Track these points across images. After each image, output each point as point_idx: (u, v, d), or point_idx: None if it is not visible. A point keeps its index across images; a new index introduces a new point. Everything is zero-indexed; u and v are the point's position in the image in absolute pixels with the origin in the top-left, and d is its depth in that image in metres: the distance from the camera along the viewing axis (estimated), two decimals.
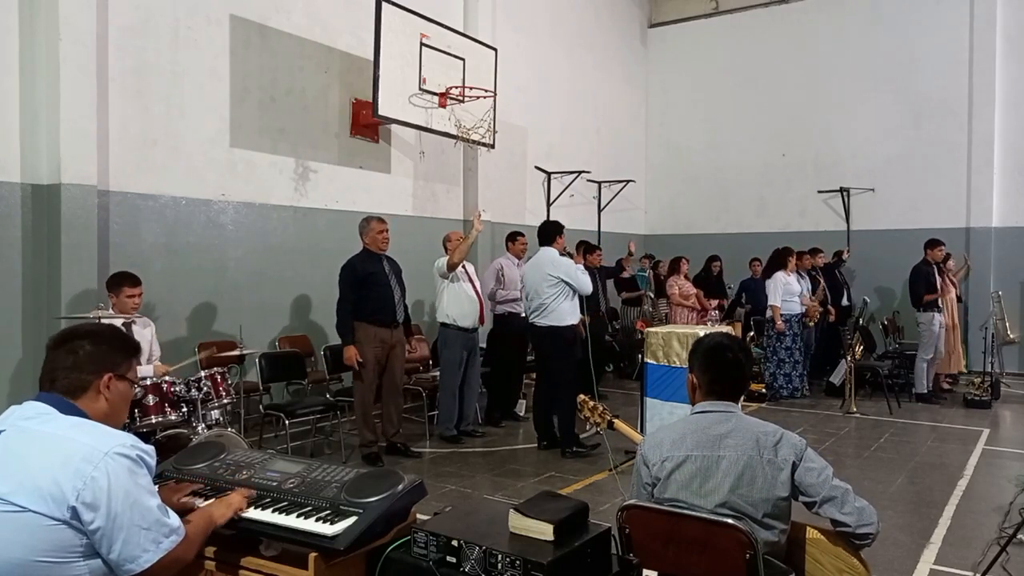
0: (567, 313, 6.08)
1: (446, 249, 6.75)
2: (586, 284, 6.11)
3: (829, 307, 9.62)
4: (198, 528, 1.97)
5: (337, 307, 5.85)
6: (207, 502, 2.20)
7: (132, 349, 2.01)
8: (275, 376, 6.43)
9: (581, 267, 6.23)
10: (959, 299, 9.61)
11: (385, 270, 5.89)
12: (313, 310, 7.55)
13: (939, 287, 8.60)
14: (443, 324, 6.59)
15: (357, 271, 5.78)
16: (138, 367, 4.81)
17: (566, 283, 6.04)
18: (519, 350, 7.54)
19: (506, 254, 7.61)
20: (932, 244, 8.79)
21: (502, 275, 7.30)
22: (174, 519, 1.83)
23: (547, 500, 2.17)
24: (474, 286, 6.69)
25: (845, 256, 10.65)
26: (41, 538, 1.65)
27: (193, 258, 6.55)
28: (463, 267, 6.64)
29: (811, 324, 9.31)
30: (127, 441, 1.77)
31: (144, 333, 5.07)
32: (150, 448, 1.81)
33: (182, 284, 6.43)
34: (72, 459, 1.69)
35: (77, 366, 1.86)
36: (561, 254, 6.17)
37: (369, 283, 5.77)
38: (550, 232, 6.24)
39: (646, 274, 10.88)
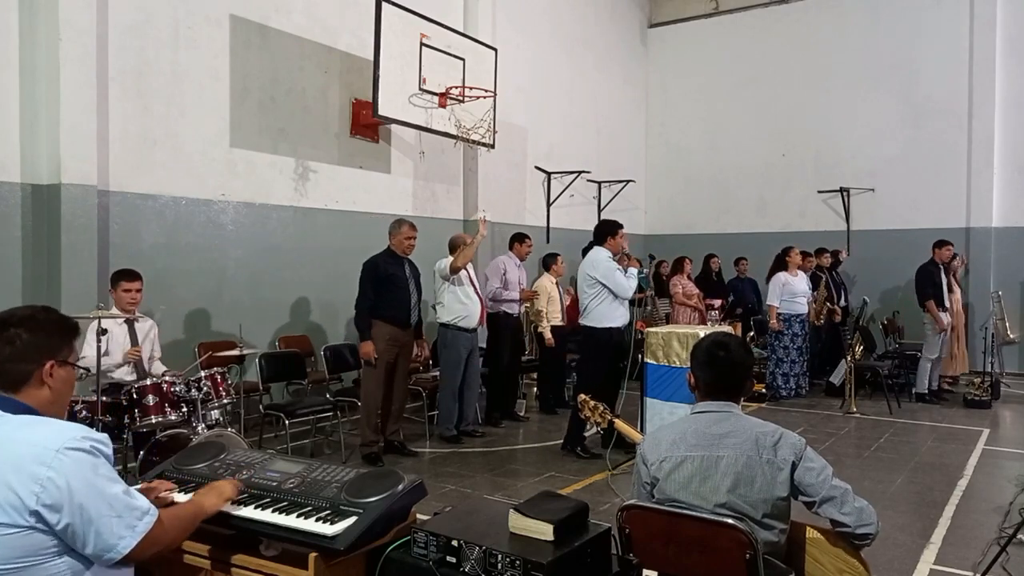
0: (604, 315, 5.99)
1: (452, 252, 6.73)
2: (622, 287, 5.98)
3: (835, 307, 9.60)
4: (184, 513, 1.95)
5: (356, 303, 5.91)
6: (196, 491, 2.20)
7: (71, 331, 1.91)
8: (275, 376, 6.43)
9: (633, 271, 6.08)
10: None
11: (406, 273, 6.00)
12: (313, 310, 7.55)
13: (944, 287, 8.60)
14: (443, 324, 6.59)
15: (379, 270, 5.87)
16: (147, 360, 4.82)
17: (604, 285, 5.96)
18: (514, 350, 7.54)
19: (509, 253, 7.60)
20: (940, 244, 8.77)
21: (504, 274, 7.29)
22: (142, 501, 1.79)
23: (547, 500, 2.18)
24: (475, 287, 6.68)
25: (842, 257, 10.64)
26: (11, 546, 1.62)
27: (193, 258, 6.55)
28: (465, 268, 6.64)
29: (818, 323, 9.31)
30: (77, 434, 1.71)
31: (145, 330, 5.07)
32: (103, 436, 1.76)
33: (182, 284, 6.43)
34: (24, 463, 1.64)
35: (16, 357, 1.78)
36: (615, 255, 6.05)
37: (389, 284, 5.87)
38: (601, 232, 6.20)
39: (642, 273, 10.84)
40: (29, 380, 1.80)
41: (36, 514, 1.62)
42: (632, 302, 10.36)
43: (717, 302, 9.92)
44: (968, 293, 10.58)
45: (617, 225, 6.22)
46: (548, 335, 7.74)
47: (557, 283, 8.05)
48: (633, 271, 6.10)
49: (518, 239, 7.65)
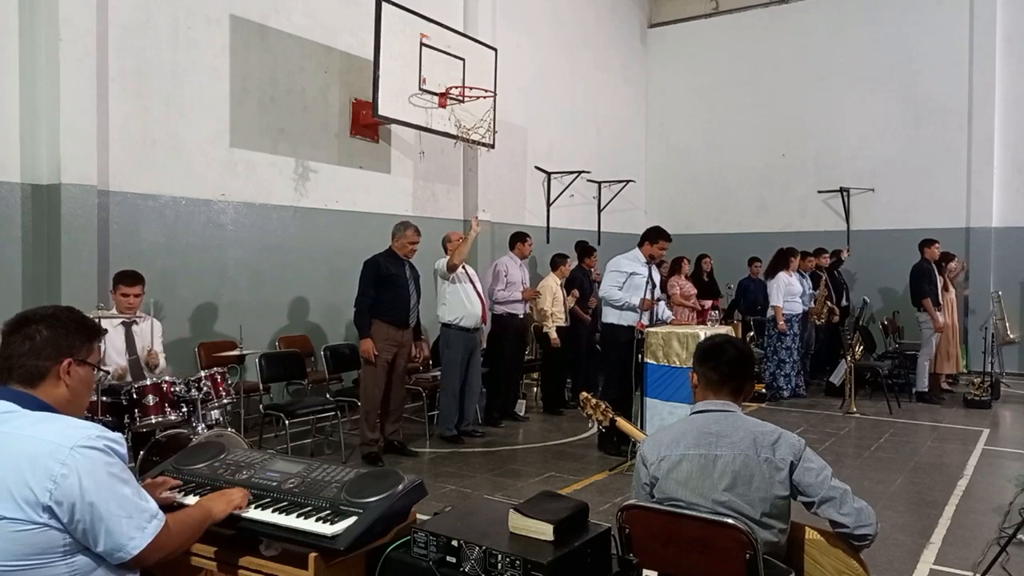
0: (611, 313, 6.21)
1: (446, 250, 6.76)
2: (604, 290, 6.21)
3: (834, 307, 9.60)
4: (192, 518, 1.96)
5: (356, 301, 5.92)
6: (204, 496, 2.20)
7: (92, 332, 1.93)
8: (275, 376, 6.42)
9: (634, 276, 6.16)
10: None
11: (406, 274, 6.02)
12: (313, 310, 7.55)
13: (939, 285, 8.61)
14: (444, 324, 6.59)
15: (381, 269, 5.89)
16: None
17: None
18: (518, 350, 7.53)
19: (510, 254, 7.60)
20: (928, 243, 8.81)
21: (506, 275, 7.29)
22: (151, 503, 1.80)
23: (547, 500, 2.17)
24: (475, 287, 6.68)
25: (844, 256, 10.63)
26: (25, 542, 1.63)
27: (193, 258, 6.55)
28: (463, 268, 6.64)
29: (819, 322, 9.31)
30: (92, 432, 1.72)
31: (144, 332, 5.04)
32: (117, 436, 1.77)
33: (182, 284, 6.43)
34: (39, 459, 1.65)
35: (34, 352, 1.79)
36: (649, 261, 6.21)
37: (389, 283, 5.89)
38: (641, 237, 6.39)
39: None
40: (46, 377, 1.81)
41: (49, 510, 1.64)
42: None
43: (708, 303, 9.89)
44: (968, 293, 10.57)
45: (659, 235, 6.28)
46: (554, 335, 7.74)
47: (563, 284, 8.05)
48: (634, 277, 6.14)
49: (519, 239, 7.67)
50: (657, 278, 6.27)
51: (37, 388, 1.80)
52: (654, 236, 6.29)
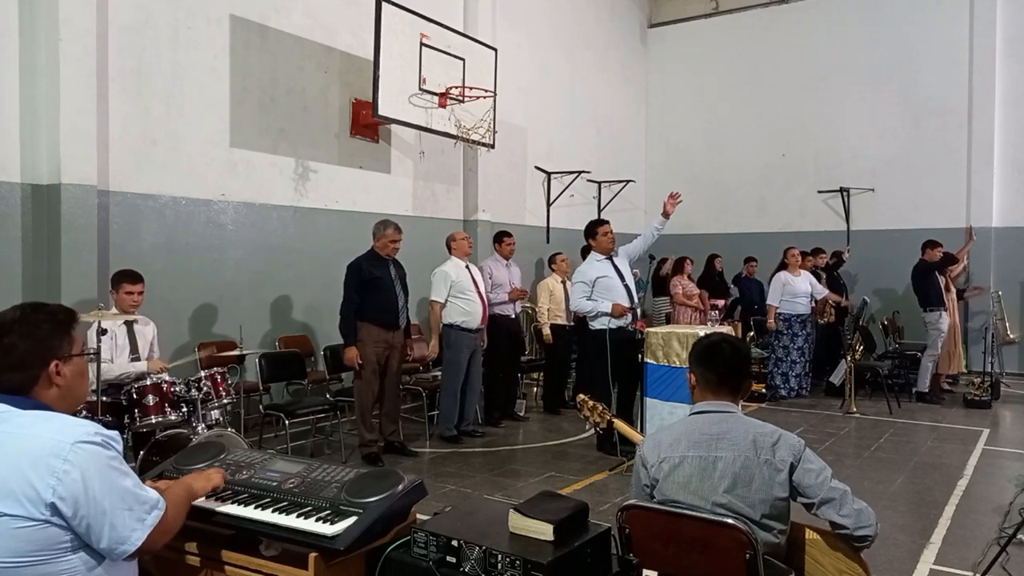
0: (592, 320, 6.14)
1: (449, 248, 6.76)
2: (574, 303, 6.17)
3: (831, 304, 9.59)
4: (179, 497, 1.99)
5: (341, 307, 5.87)
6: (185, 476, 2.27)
7: (67, 324, 1.87)
8: (275, 376, 6.42)
9: (601, 280, 6.05)
10: (959, 296, 9.60)
11: (391, 274, 5.95)
12: (313, 310, 7.55)
13: (942, 286, 8.61)
14: (447, 325, 6.58)
15: (363, 273, 5.82)
16: (136, 363, 4.78)
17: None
18: (513, 350, 7.52)
19: (494, 255, 7.56)
20: (932, 245, 8.81)
21: (491, 277, 7.26)
22: (151, 493, 1.82)
23: (547, 500, 2.17)
24: (477, 287, 6.68)
25: (845, 256, 10.62)
26: (27, 539, 1.63)
27: (193, 258, 6.55)
28: (468, 268, 6.66)
29: (822, 321, 9.31)
30: (90, 429, 1.73)
31: (145, 332, 5.05)
32: (114, 433, 1.78)
33: (182, 284, 6.43)
34: (40, 456, 1.66)
35: (18, 365, 1.78)
36: (609, 257, 6.12)
37: (374, 286, 5.82)
38: (584, 237, 6.33)
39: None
40: (37, 383, 1.81)
41: (52, 507, 1.64)
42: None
43: (721, 302, 9.90)
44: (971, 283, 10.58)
45: (593, 226, 6.24)
46: (547, 332, 7.76)
47: (563, 282, 8.05)
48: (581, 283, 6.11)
49: (497, 239, 7.59)
50: (625, 268, 6.16)
51: (30, 393, 1.80)
52: (591, 230, 6.26)
